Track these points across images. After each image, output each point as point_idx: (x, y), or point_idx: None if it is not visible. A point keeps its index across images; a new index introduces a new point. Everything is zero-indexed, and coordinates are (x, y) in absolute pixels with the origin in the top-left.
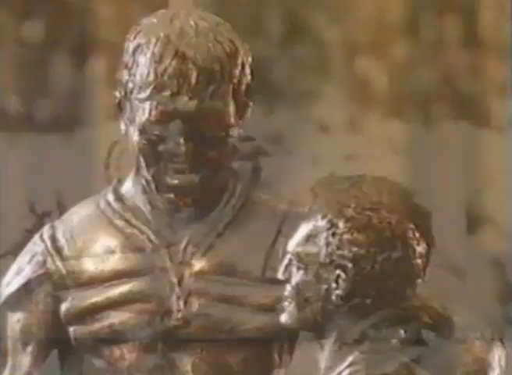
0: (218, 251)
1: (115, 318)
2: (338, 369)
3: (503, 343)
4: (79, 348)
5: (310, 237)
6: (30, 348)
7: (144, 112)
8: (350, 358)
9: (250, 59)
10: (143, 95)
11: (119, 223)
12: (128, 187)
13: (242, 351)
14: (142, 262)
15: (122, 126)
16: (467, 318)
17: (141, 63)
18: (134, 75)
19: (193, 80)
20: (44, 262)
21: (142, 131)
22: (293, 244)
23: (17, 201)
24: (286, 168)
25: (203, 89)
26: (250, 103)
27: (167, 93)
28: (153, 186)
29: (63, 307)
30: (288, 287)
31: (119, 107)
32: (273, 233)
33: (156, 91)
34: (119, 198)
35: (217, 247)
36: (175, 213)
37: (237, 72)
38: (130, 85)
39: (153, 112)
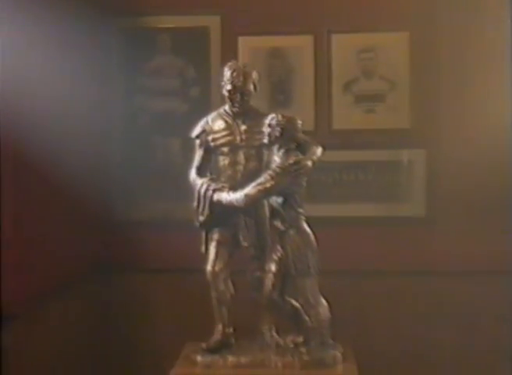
0: (247, 124)
1: (222, 140)
2: (276, 153)
3: (321, 146)
4: (213, 148)
5: (271, 119)
6: (202, 147)
7: (227, 87)
8: (282, 150)
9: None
10: (227, 81)
11: (224, 117)
12: (226, 107)
13: (254, 150)
14: (229, 128)
15: (223, 91)
16: (316, 142)
17: (227, 75)
18: (225, 77)
19: (242, 79)
20: (205, 126)
21: (228, 92)
22: (267, 121)
23: None
24: None
25: (245, 80)
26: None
27: (234, 82)
28: (232, 106)
29: (209, 138)
30: (265, 133)
31: (222, 87)
32: (261, 119)
33: (230, 81)
34: (224, 109)
35: (247, 123)
36: (237, 115)
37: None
38: (224, 80)
39: (229, 87)
